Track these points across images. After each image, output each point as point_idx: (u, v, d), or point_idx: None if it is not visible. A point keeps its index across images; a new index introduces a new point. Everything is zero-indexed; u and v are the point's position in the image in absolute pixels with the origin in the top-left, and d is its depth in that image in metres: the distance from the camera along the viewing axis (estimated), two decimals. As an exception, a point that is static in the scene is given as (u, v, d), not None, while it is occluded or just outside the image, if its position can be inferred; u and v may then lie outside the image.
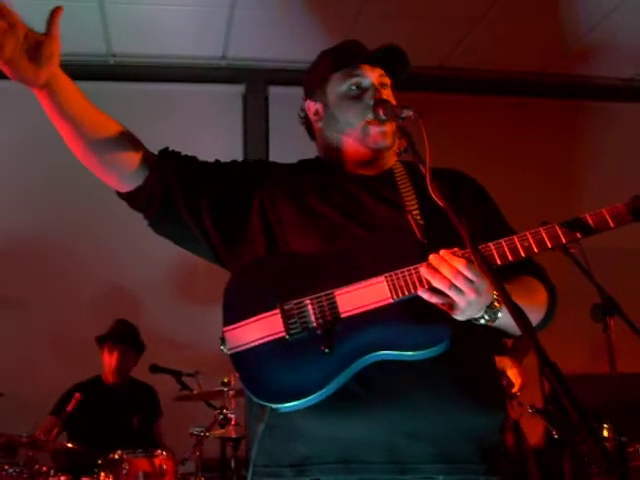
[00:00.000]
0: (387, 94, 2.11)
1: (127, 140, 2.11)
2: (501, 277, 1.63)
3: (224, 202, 2.11)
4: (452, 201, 1.72)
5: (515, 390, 3.95)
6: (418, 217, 1.95)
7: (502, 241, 1.80)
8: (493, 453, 1.90)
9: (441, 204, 1.73)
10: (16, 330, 5.59)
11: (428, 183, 1.76)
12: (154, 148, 2.19)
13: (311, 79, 2.25)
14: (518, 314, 1.49)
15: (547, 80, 6.68)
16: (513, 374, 3.93)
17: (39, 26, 1.86)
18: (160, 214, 2.15)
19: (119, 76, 6.23)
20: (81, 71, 6.04)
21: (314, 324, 1.85)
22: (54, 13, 1.86)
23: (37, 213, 5.83)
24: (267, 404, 1.84)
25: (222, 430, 4.52)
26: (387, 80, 2.14)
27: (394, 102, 2.10)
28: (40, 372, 5.42)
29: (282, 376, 1.84)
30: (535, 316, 1.99)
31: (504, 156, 6.32)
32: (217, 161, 2.24)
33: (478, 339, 1.92)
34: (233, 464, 4.64)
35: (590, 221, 1.81)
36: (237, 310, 1.93)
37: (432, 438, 1.84)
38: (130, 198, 2.16)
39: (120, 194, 2.18)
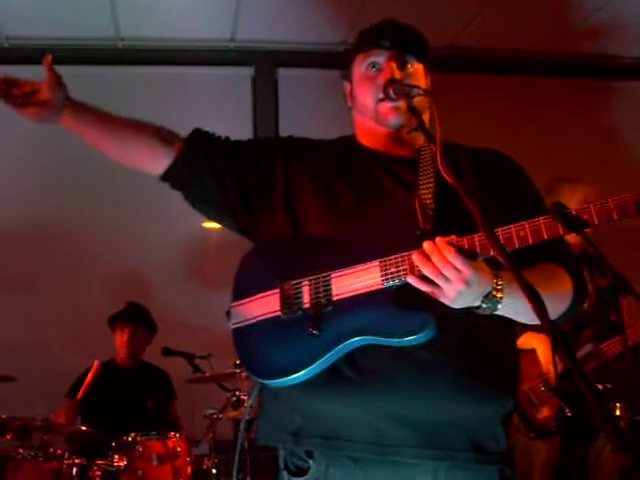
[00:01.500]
0: (405, 74, 2.09)
1: (148, 134, 2.25)
2: (519, 262, 1.60)
3: (250, 181, 2.17)
4: (477, 181, 1.72)
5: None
6: (429, 201, 1.94)
7: (512, 226, 1.75)
8: (487, 442, 1.90)
9: (450, 182, 1.72)
10: (30, 315, 5.65)
11: (438, 162, 1.75)
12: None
13: (345, 60, 2.26)
14: (532, 295, 1.47)
15: (557, 59, 6.64)
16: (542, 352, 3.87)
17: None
18: (191, 190, 2.24)
19: (127, 60, 6.22)
20: (90, 55, 6.11)
21: (307, 305, 1.90)
22: (45, 61, 2.16)
23: (49, 200, 5.86)
24: (257, 379, 1.94)
25: (235, 412, 4.54)
26: (408, 60, 2.11)
27: (419, 81, 2.10)
28: (54, 356, 5.46)
29: (273, 353, 1.92)
30: (556, 304, 1.96)
31: (514, 136, 6.29)
32: (248, 140, 2.32)
33: (481, 328, 1.90)
34: (246, 445, 4.67)
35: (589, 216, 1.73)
36: (243, 287, 2.04)
37: (418, 423, 1.86)
38: (165, 179, 2.26)
39: (160, 177, 2.27)
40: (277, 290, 1.95)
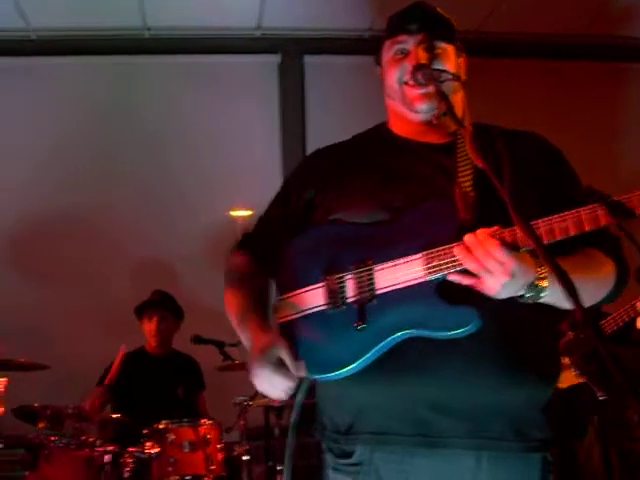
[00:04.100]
0: (434, 57, 2.06)
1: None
2: (554, 250, 1.59)
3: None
4: (515, 166, 1.69)
5: None
6: (469, 189, 1.92)
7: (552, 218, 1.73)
8: (531, 430, 1.90)
9: (481, 166, 1.70)
10: (61, 306, 5.74)
11: (468, 147, 1.74)
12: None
13: (376, 46, 2.24)
14: (564, 282, 1.47)
15: (588, 42, 6.55)
16: None
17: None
18: None
19: (154, 49, 6.25)
20: (117, 45, 6.14)
21: (351, 299, 1.90)
22: None
23: (76, 193, 5.94)
24: (310, 373, 1.90)
25: (265, 399, 4.55)
26: (436, 43, 2.08)
27: (449, 63, 2.08)
28: (85, 345, 5.50)
29: (318, 348, 1.92)
30: (597, 288, 1.95)
31: (544, 120, 6.21)
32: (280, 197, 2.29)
33: (523, 317, 1.88)
34: (277, 432, 4.69)
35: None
36: (287, 281, 2.03)
37: (463, 413, 1.85)
38: None
39: None
40: (321, 284, 1.94)
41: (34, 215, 5.84)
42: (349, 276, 1.92)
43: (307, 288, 1.97)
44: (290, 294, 2.00)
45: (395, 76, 2.10)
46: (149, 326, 5.26)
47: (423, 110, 2.07)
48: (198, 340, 5.01)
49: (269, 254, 2.16)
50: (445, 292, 1.81)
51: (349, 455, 1.95)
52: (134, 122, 6.03)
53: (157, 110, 5.99)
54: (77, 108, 6.04)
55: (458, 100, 2.09)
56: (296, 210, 2.17)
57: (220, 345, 5.00)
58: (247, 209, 5.61)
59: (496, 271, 1.69)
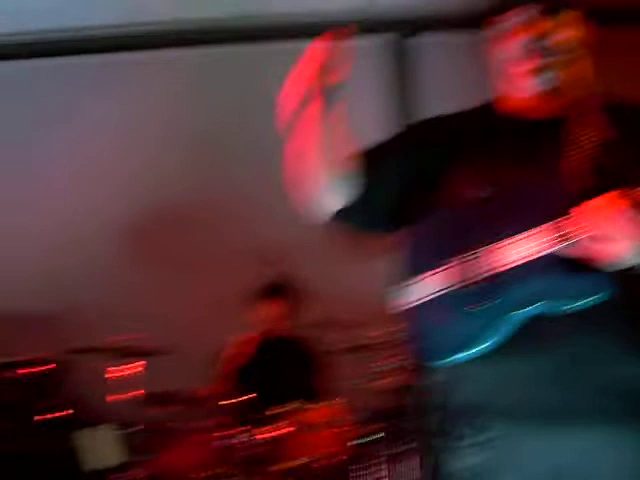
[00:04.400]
0: (552, 27, 2.01)
1: None
2: None
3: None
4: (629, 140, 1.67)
5: None
6: (587, 160, 1.89)
7: None
8: None
9: (595, 140, 1.67)
10: (184, 292, 5.87)
11: (582, 119, 1.70)
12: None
13: (488, 22, 2.20)
14: None
15: None
16: None
17: None
18: None
19: (274, 35, 6.31)
20: (240, 32, 6.21)
21: (476, 279, 1.88)
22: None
23: (199, 179, 6.04)
24: (429, 357, 1.95)
25: (394, 379, 4.57)
26: (554, 13, 2.02)
27: (569, 34, 2.02)
28: (207, 330, 5.63)
29: (450, 329, 1.91)
30: None
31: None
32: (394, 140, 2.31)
33: None
34: (406, 412, 4.71)
35: None
36: (411, 265, 2.01)
37: (595, 389, 1.82)
38: None
39: None
40: (446, 267, 1.93)
41: (157, 200, 6.02)
42: (475, 254, 1.90)
43: (431, 272, 1.95)
44: (414, 279, 1.98)
45: (508, 50, 2.05)
46: (267, 311, 5.34)
47: (538, 85, 2.03)
48: (321, 323, 5.06)
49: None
50: (571, 263, 1.78)
51: (483, 433, 1.94)
52: (243, 111, 6.11)
53: (265, 97, 6.00)
54: (197, 97, 6.18)
55: (577, 72, 2.04)
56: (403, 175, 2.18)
57: (345, 327, 5.03)
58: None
59: (628, 232, 1.66)
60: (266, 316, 5.35)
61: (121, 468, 4.27)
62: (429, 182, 2.09)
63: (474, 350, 1.86)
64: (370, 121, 6.20)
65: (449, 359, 1.91)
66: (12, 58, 6.24)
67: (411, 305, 1.97)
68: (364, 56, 6.35)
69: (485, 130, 2.13)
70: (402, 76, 6.34)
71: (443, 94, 6.11)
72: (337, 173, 2.22)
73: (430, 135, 2.23)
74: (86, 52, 6.22)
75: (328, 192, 2.26)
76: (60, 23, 5.88)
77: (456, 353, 1.89)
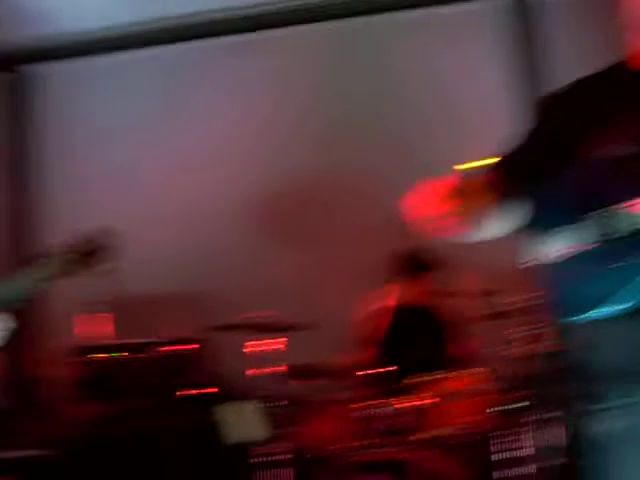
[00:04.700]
0: None
1: None
2: None
3: None
4: None
5: None
6: None
7: None
8: None
9: None
10: (321, 269, 6.00)
11: None
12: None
13: None
14: None
15: None
16: None
17: None
18: None
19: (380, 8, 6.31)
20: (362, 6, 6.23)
21: (622, 233, 1.82)
22: None
23: (332, 159, 6.14)
24: (570, 313, 1.88)
25: (534, 346, 4.50)
26: None
27: None
28: (344, 304, 5.70)
29: (586, 285, 1.85)
30: None
31: None
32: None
33: None
34: (548, 378, 4.63)
35: None
36: (550, 218, 1.94)
37: None
38: None
39: None
40: (591, 220, 1.86)
41: (291, 175, 6.14)
42: (618, 210, 1.84)
43: (575, 225, 1.89)
44: (553, 231, 1.92)
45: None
46: (410, 282, 5.35)
47: None
48: (457, 293, 5.03)
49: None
50: None
51: (629, 396, 1.90)
52: (377, 89, 6.13)
53: (392, 68, 6.04)
54: (332, 75, 6.27)
55: None
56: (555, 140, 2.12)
57: (484, 295, 4.98)
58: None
59: None
60: (408, 288, 5.36)
61: (264, 442, 4.37)
62: (572, 148, 2.04)
63: (616, 308, 1.80)
64: (498, 86, 6.12)
65: (590, 313, 1.84)
66: (155, 44, 6.48)
67: (551, 260, 1.91)
68: (484, 19, 6.26)
69: (622, 89, 2.06)
70: (523, 39, 6.17)
71: (569, 55, 5.93)
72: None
73: (562, 114, 2.17)
74: (227, 33, 6.44)
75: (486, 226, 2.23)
76: (200, 7, 6.08)
77: (597, 307, 1.82)
